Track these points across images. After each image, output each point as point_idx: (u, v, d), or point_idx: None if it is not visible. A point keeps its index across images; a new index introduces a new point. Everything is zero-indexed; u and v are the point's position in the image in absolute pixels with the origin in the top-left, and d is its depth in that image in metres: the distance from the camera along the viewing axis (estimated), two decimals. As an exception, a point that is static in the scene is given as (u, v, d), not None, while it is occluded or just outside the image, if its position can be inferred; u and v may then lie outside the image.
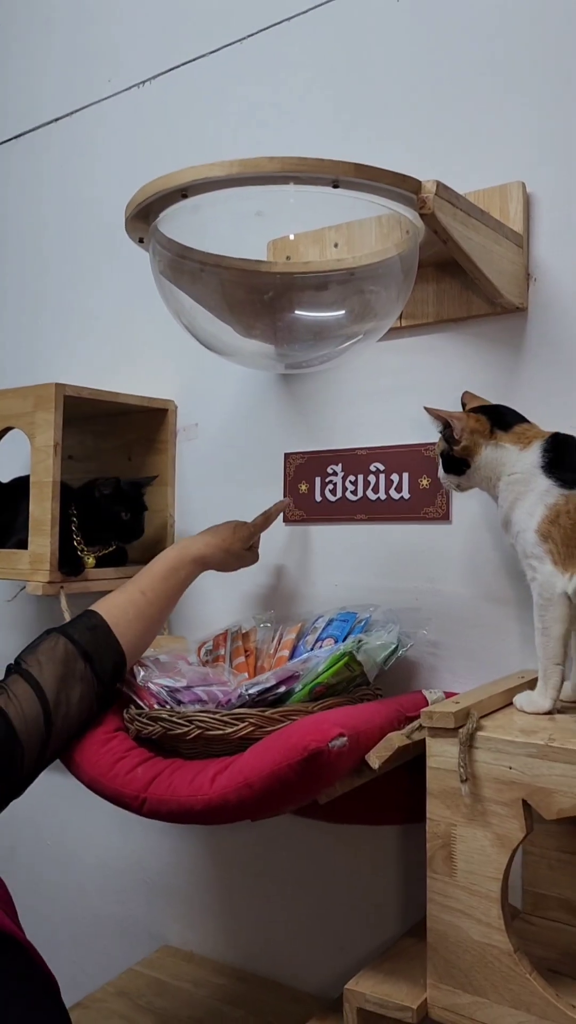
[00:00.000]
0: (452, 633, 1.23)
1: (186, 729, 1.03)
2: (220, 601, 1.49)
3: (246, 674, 1.26)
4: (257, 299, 1.25)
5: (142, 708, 1.10)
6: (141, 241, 1.14)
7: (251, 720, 1.01)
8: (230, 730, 1.01)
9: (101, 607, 1.14)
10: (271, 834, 1.41)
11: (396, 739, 0.95)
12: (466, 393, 1.11)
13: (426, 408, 1.06)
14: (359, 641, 1.07)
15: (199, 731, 1.02)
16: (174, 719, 1.04)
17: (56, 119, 1.79)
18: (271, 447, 1.43)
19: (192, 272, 1.20)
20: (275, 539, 1.42)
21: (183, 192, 0.97)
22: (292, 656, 1.27)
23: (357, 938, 1.31)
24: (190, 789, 0.97)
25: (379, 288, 1.17)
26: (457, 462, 1.04)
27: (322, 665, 1.07)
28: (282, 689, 1.06)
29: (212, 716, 1.02)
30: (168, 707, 1.07)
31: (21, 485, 1.46)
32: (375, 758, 0.95)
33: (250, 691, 1.03)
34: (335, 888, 1.34)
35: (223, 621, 1.42)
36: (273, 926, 1.41)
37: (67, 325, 1.77)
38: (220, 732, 1.01)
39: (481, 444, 1.04)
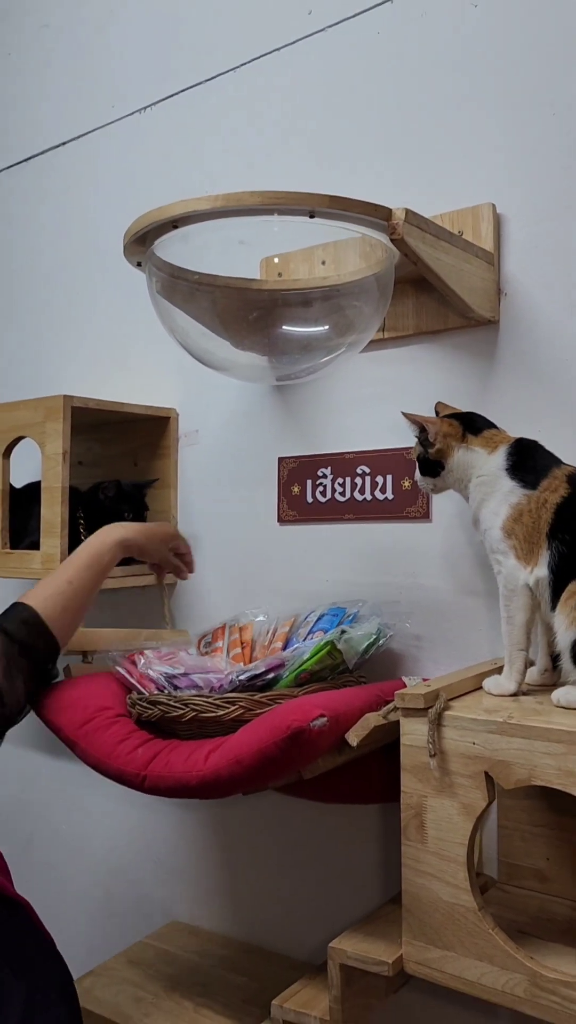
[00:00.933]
0: (432, 624, 1.32)
1: (182, 712, 1.13)
2: (219, 598, 1.58)
3: (241, 664, 1.35)
4: (248, 315, 1.34)
5: (143, 694, 1.20)
6: (139, 265, 1.23)
7: (241, 703, 1.10)
8: (222, 712, 1.10)
9: (31, 599, 1.24)
10: (267, 815, 1.51)
11: (373, 719, 1.04)
12: (439, 403, 1.20)
13: (403, 413, 1.15)
14: (342, 632, 1.16)
15: (194, 713, 1.12)
16: (171, 703, 1.14)
17: (58, 145, 1.90)
18: (266, 452, 1.52)
19: (186, 292, 1.29)
20: (270, 539, 1.51)
21: (174, 223, 1.07)
22: (285, 648, 1.36)
23: (345, 908, 1.41)
24: (186, 766, 1.07)
25: (359, 304, 1.26)
26: (432, 464, 1.13)
27: (307, 653, 1.16)
28: (271, 675, 1.15)
29: (206, 700, 1.12)
30: (166, 692, 1.17)
31: (33, 490, 1.57)
32: (353, 736, 1.04)
33: (240, 677, 1.13)
34: (324, 864, 1.44)
35: (222, 616, 1.51)
36: (271, 900, 1.51)
37: (72, 340, 1.87)
38: (213, 715, 1.11)
39: (454, 447, 1.12)
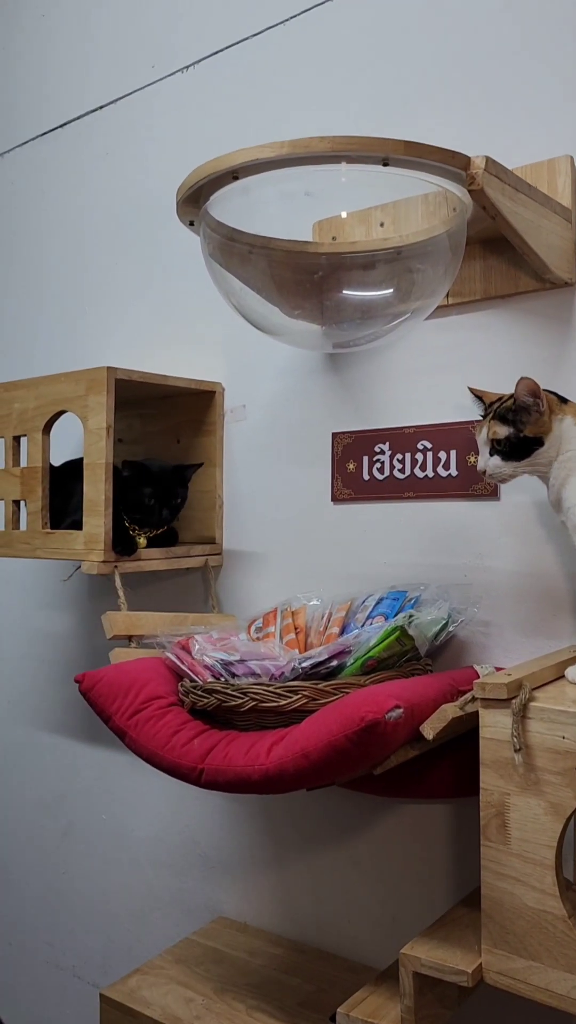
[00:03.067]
0: (502, 610, 1.23)
1: (240, 701, 1.05)
2: (268, 581, 1.51)
3: (296, 650, 1.28)
4: (305, 279, 1.26)
5: (196, 682, 1.13)
6: (192, 224, 1.15)
7: (304, 692, 1.03)
8: (284, 702, 1.03)
9: None
10: (323, 808, 1.44)
11: (450, 710, 0.96)
12: (472, 389, 1.12)
13: (470, 388, 1.06)
14: (410, 616, 1.09)
15: (253, 703, 1.05)
16: (228, 691, 1.07)
17: (101, 107, 1.82)
18: (318, 427, 1.44)
19: (241, 254, 1.22)
20: (323, 518, 1.43)
21: (234, 174, 0.99)
22: (342, 634, 1.29)
23: (409, 909, 1.33)
24: (247, 759, 1.00)
25: (426, 266, 1.18)
26: (527, 443, 1.03)
27: (374, 639, 1.08)
28: (334, 663, 1.08)
29: (266, 688, 1.04)
30: (222, 680, 1.09)
31: (74, 468, 1.50)
32: (429, 729, 0.96)
33: (303, 664, 1.05)
34: (386, 861, 1.37)
35: (271, 600, 1.44)
36: (326, 899, 1.44)
37: (115, 310, 1.80)
38: (274, 704, 1.04)
39: (553, 421, 1.03)
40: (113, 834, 1.77)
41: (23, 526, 1.50)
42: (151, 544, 1.47)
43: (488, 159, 0.97)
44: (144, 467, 1.45)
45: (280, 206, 1.11)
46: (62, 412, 1.45)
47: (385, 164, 0.95)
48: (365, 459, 1.39)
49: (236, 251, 1.21)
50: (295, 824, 1.48)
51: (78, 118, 1.87)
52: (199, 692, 1.10)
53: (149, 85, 1.73)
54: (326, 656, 1.07)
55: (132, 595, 1.67)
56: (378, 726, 0.90)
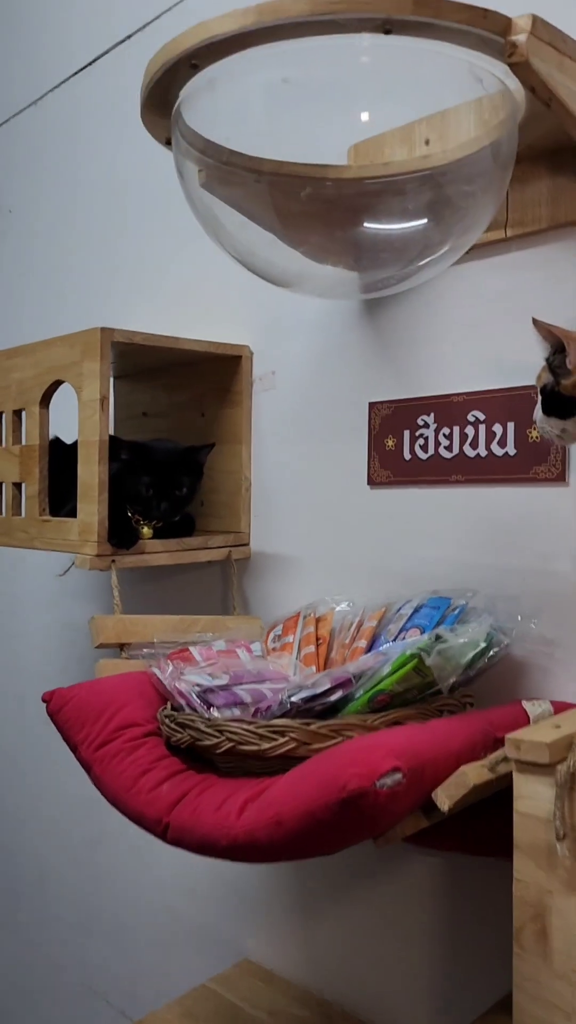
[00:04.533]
0: (571, 626, 0.97)
1: (216, 740, 0.84)
2: (298, 577, 1.28)
3: (314, 667, 1.05)
4: (325, 211, 1.02)
5: (177, 709, 0.92)
6: (169, 144, 0.93)
7: (292, 735, 0.81)
8: (266, 746, 0.81)
9: None
10: (366, 854, 1.21)
11: (472, 774, 0.72)
12: (539, 323, 0.84)
13: (535, 321, 0.80)
14: (436, 638, 0.84)
15: (230, 744, 0.83)
16: (204, 728, 0.85)
17: (95, 59, 1.61)
18: (354, 395, 1.20)
19: (243, 183, 0.98)
20: (358, 505, 1.19)
21: (192, 61, 0.75)
22: (371, 648, 1.05)
23: (460, 984, 1.09)
24: (215, 818, 0.78)
25: (469, 187, 0.92)
26: (564, 402, 0.78)
27: (387, 666, 0.84)
28: (336, 695, 0.84)
29: (245, 728, 0.82)
30: (200, 710, 0.88)
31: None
32: (444, 798, 0.72)
33: (293, 698, 0.83)
34: (433, 927, 1.13)
35: (301, 600, 1.22)
36: (360, 956, 1.22)
37: (134, 270, 1.60)
38: (255, 747, 0.81)
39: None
40: (141, 854, 1.60)
41: (24, 512, 1.32)
42: (159, 534, 1.26)
43: (536, 19, 0.71)
44: (145, 450, 1.25)
45: (267, 108, 0.87)
46: (59, 382, 1.26)
47: (387, 31, 0.69)
48: (406, 434, 1.13)
49: (236, 179, 0.98)
50: (334, 866, 1.26)
51: (78, 72, 1.66)
52: (172, 724, 0.89)
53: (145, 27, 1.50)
54: (326, 686, 0.84)
55: (140, 594, 1.48)
56: (365, 797, 0.67)
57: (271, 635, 1.16)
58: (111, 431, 1.26)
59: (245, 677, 0.95)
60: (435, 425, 1.10)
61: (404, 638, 1.03)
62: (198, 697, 0.88)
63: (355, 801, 0.67)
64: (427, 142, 1.04)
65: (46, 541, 1.27)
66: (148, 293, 1.57)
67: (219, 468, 1.38)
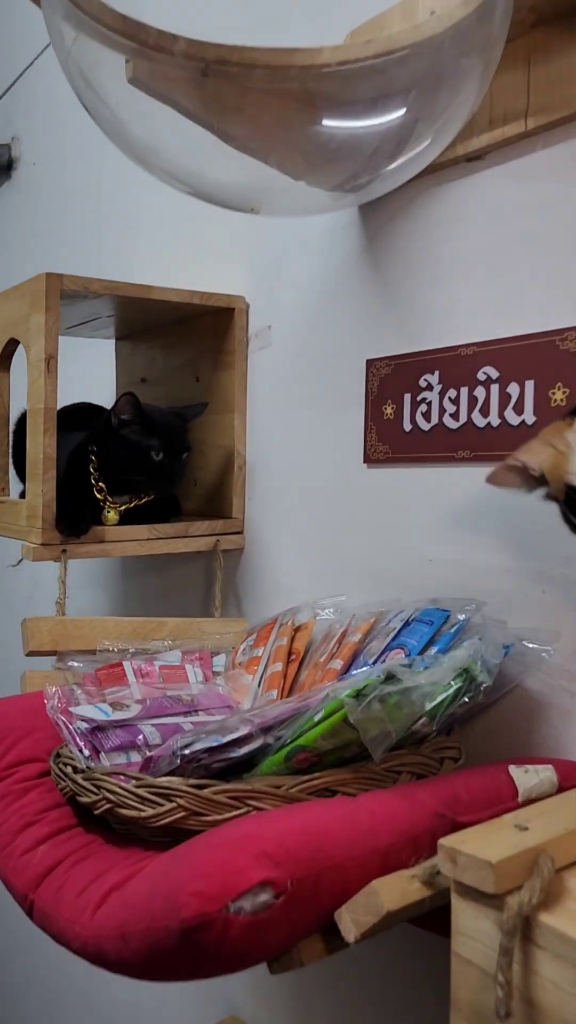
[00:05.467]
0: (600, 654, 0.72)
1: (93, 799, 0.64)
2: (290, 574, 1.07)
3: (275, 692, 0.84)
4: (285, 109, 0.79)
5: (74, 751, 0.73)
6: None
7: (180, 800, 0.60)
8: (147, 812, 0.61)
9: None
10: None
11: (390, 891, 0.49)
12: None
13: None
14: (385, 677, 0.61)
15: (109, 805, 0.63)
16: (82, 781, 0.66)
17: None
18: (350, 350, 0.97)
19: (186, 79, 0.77)
20: (354, 488, 0.97)
21: None
22: (348, 669, 0.83)
23: None
24: (72, 910, 0.59)
25: (453, 51, 0.67)
26: None
27: (320, 712, 0.62)
28: (245, 749, 0.63)
29: (124, 787, 0.62)
30: (85, 756, 0.68)
31: (72, 415, 1.13)
32: (351, 924, 0.50)
33: (187, 749, 0.61)
34: (436, 1013, 0.90)
35: (293, 599, 1.01)
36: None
37: (121, 217, 1.40)
38: (135, 812, 0.61)
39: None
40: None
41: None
42: (130, 518, 1.07)
43: None
44: (146, 413, 1.06)
45: None
46: (14, 342, 1.08)
47: None
48: (406, 400, 0.89)
49: (180, 73, 0.76)
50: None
51: None
52: (57, 769, 0.70)
53: None
54: (239, 733, 0.63)
55: (118, 587, 1.30)
56: (209, 928, 0.46)
57: (243, 646, 0.95)
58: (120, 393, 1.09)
59: (168, 707, 0.75)
60: (439, 387, 0.86)
61: (385, 660, 0.80)
62: (82, 737, 0.68)
63: (195, 933, 0.45)
64: (433, 12, 0.80)
65: (3, 525, 1.10)
66: (164, 246, 1.36)
67: (209, 442, 1.17)
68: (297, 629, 0.93)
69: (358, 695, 0.57)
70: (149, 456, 1.05)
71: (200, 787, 0.60)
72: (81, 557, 1.02)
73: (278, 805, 0.59)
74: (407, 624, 0.83)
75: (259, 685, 0.87)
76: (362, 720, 0.57)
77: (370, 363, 0.94)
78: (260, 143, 0.78)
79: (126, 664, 0.85)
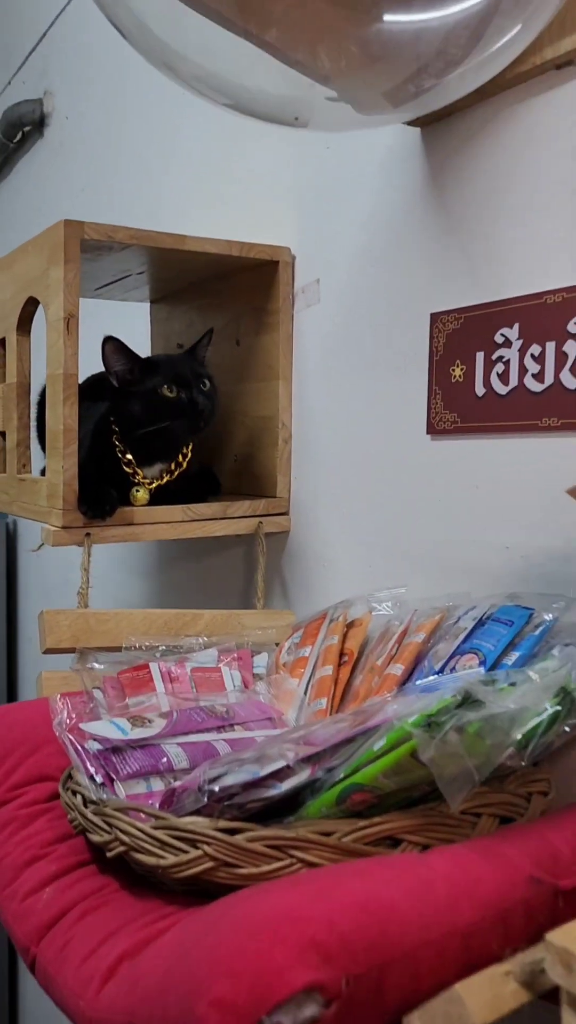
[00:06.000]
0: None
1: (105, 839, 0.53)
2: (342, 562, 0.95)
3: (325, 700, 0.72)
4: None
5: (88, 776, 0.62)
6: None
7: (207, 847, 0.48)
8: (170, 860, 0.49)
9: None
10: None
11: (475, 996, 0.37)
12: None
13: None
14: (463, 699, 0.48)
15: (122, 848, 0.52)
16: (92, 817, 0.55)
17: None
18: (412, 306, 0.83)
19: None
20: (415, 463, 0.84)
21: None
22: (410, 676, 0.71)
23: None
24: (77, 979, 0.48)
25: None
26: None
27: (381, 741, 0.50)
28: (294, 781, 0.51)
29: (140, 829, 0.51)
30: (97, 782, 0.57)
31: (96, 386, 1.02)
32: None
33: (214, 784, 0.50)
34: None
35: (347, 589, 0.89)
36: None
37: (158, 170, 1.28)
38: (153, 860, 0.50)
39: None
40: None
41: (6, 468, 1.06)
42: (162, 498, 0.96)
43: None
44: (140, 358, 0.94)
45: None
46: (35, 302, 0.97)
47: None
48: (479, 359, 0.76)
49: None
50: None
51: None
52: (67, 798, 0.59)
53: None
54: (278, 764, 0.51)
55: (153, 576, 1.19)
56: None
57: (288, 644, 0.84)
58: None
59: (199, 722, 0.64)
60: (520, 342, 0.72)
61: (455, 667, 0.68)
62: (93, 761, 0.57)
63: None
64: None
65: (22, 506, 1.00)
66: (204, 198, 1.24)
67: (250, 413, 1.05)
68: (350, 626, 0.81)
69: (430, 723, 0.45)
70: (160, 395, 0.92)
71: (231, 832, 0.49)
72: (107, 542, 0.91)
73: (327, 859, 0.47)
74: (481, 623, 0.70)
75: (306, 692, 0.75)
76: (436, 757, 0.44)
77: (435, 317, 0.80)
78: (305, 45, 0.65)
79: (153, 667, 0.74)
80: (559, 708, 0.50)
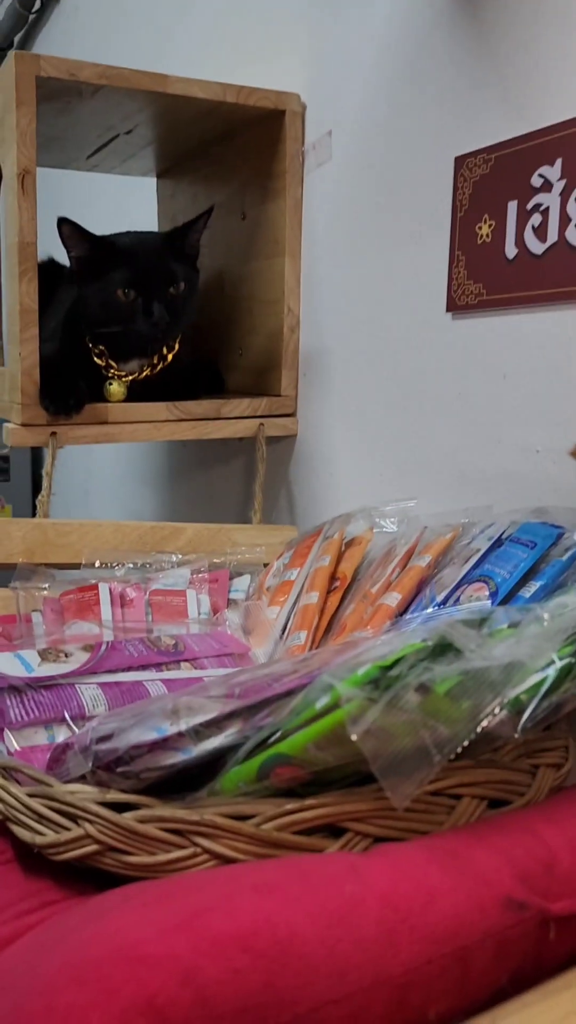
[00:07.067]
0: None
1: (-15, 799, 0.42)
2: (349, 465, 0.81)
3: (305, 634, 0.60)
4: None
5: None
6: None
7: (89, 826, 0.37)
8: (47, 837, 0.38)
9: None
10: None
11: None
12: None
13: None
14: (434, 647, 0.35)
15: (0, 817, 0.41)
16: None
17: None
18: (434, 149, 0.67)
19: None
20: (429, 348, 0.69)
21: None
22: (408, 607, 0.58)
23: None
24: None
25: None
26: None
27: (324, 699, 0.37)
28: (210, 744, 0.38)
29: (14, 795, 0.40)
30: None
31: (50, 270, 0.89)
32: None
33: (101, 744, 0.38)
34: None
35: (352, 501, 0.75)
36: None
37: (171, 27, 1.11)
38: (28, 834, 0.39)
39: None
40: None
41: None
42: (141, 392, 0.83)
43: None
44: (108, 243, 0.80)
45: None
46: (-2, 160, 0.83)
47: None
48: (512, 210, 0.60)
49: None
50: None
51: None
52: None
53: None
54: (198, 720, 0.39)
55: (167, 488, 1.06)
56: None
57: (277, 565, 0.71)
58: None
59: (135, 656, 0.52)
60: (562, 183, 0.56)
61: (460, 597, 0.54)
62: (9, 695, 0.46)
63: None
64: None
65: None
66: (211, 48, 1.07)
67: (256, 296, 0.90)
68: (348, 544, 0.68)
69: (372, 682, 0.32)
70: (115, 297, 0.78)
71: (120, 808, 0.37)
72: (78, 442, 0.79)
73: (242, 851, 0.35)
74: (498, 543, 0.56)
75: (286, 623, 0.62)
76: (379, 728, 0.31)
77: (460, 161, 0.64)
78: None
79: (102, 588, 0.62)
80: (571, 660, 0.36)
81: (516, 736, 0.35)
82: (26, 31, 1.80)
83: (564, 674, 0.36)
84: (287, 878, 0.31)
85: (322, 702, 0.36)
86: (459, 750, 0.34)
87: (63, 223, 0.77)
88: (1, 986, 0.30)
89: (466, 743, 0.33)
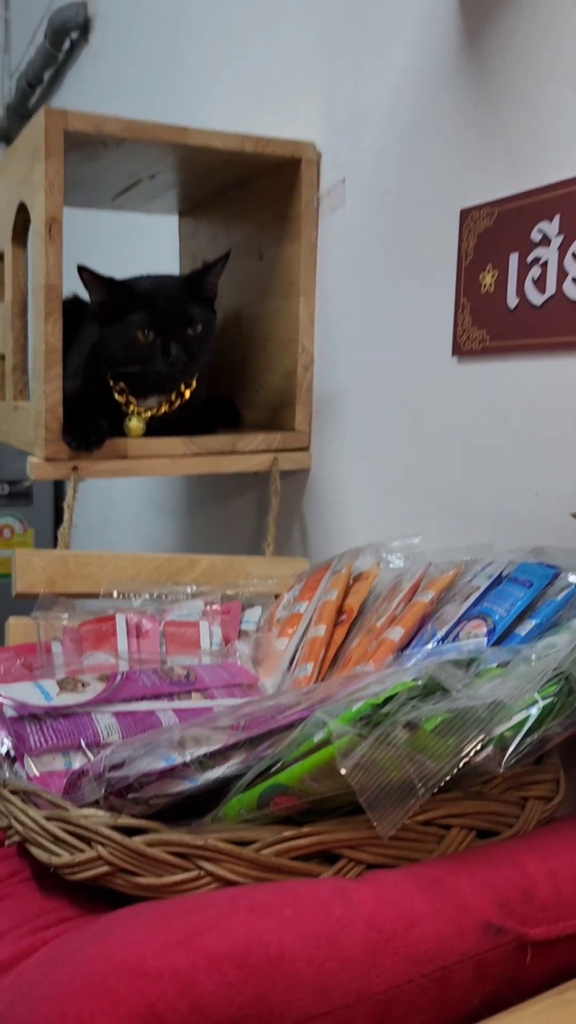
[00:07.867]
0: None
1: (4, 824, 0.45)
2: (360, 504, 0.84)
3: (312, 665, 0.62)
4: None
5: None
6: None
7: (102, 848, 0.39)
8: (62, 858, 0.41)
9: None
10: None
11: None
12: None
13: None
14: (424, 688, 0.37)
15: (19, 838, 0.44)
16: (-9, 793, 0.46)
17: None
18: (440, 201, 0.70)
19: None
20: (435, 391, 0.71)
21: None
22: (410, 642, 0.60)
23: None
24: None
25: None
26: None
27: (321, 733, 0.39)
28: (216, 773, 0.41)
29: (33, 818, 0.42)
30: (9, 747, 0.49)
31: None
32: None
33: (114, 772, 0.41)
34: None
35: (363, 536, 0.78)
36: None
37: (199, 72, 1.15)
38: (45, 855, 0.42)
39: None
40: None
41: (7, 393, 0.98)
42: (160, 428, 0.86)
43: None
44: (127, 287, 0.83)
45: None
46: (25, 208, 0.87)
47: None
48: (513, 261, 0.63)
49: None
50: None
51: None
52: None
53: None
54: (202, 753, 0.41)
55: (185, 520, 1.09)
56: None
57: (287, 597, 0.74)
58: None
59: (148, 686, 0.54)
60: (560, 238, 0.58)
61: (459, 634, 0.57)
62: (5, 727, 0.48)
63: None
64: None
65: (16, 436, 0.92)
66: (219, 89, 1.11)
67: (271, 336, 0.94)
68: (355, 579, 0.70)
69: (363, 718, 0.34)
70: (134, 339, 0.81)
71: (130, 832, 0.39)
72: (98, 476, 0.82)
73: (242, 875, 0.38)
74: (497, 582, 0.58)
75: (294, 655, 0.65)
76: (369, 762, 0.34)
77: (465, 214, 0.67)
78: None
79: (119, 618, 0.65)
80: (553, 700, 0.38)
81: (500, 770, 0.38)
82: (56, 69, 1.87)
83: (547, 712, 0.38)
84: (280, 901, 0.33)
85: (318, 736, 0.38)
86: (445, 783, 0.36)
87: (83, 271, 0.80)
88: (19, 994, 0.32)
89: (450, 777, 0.36)
